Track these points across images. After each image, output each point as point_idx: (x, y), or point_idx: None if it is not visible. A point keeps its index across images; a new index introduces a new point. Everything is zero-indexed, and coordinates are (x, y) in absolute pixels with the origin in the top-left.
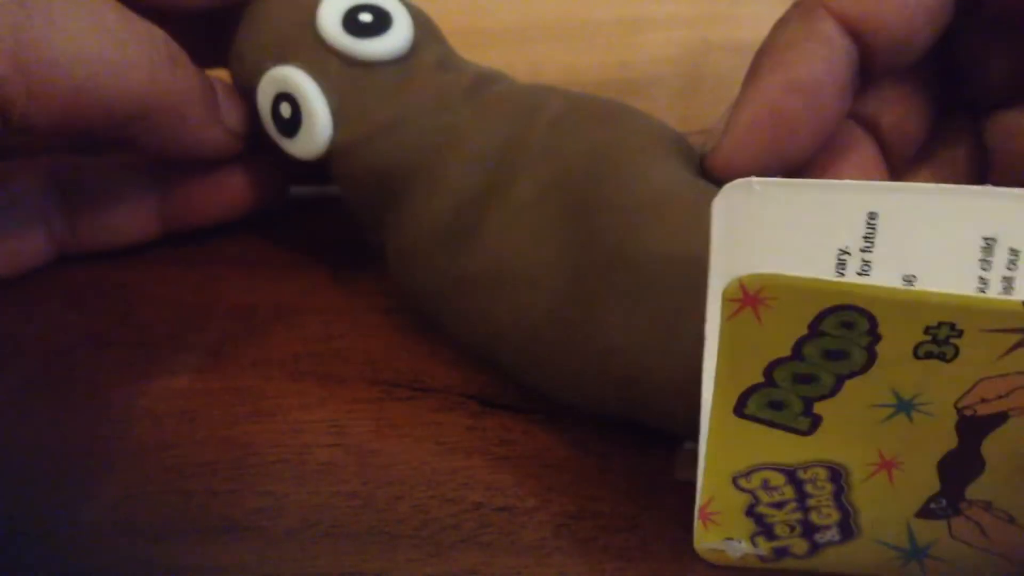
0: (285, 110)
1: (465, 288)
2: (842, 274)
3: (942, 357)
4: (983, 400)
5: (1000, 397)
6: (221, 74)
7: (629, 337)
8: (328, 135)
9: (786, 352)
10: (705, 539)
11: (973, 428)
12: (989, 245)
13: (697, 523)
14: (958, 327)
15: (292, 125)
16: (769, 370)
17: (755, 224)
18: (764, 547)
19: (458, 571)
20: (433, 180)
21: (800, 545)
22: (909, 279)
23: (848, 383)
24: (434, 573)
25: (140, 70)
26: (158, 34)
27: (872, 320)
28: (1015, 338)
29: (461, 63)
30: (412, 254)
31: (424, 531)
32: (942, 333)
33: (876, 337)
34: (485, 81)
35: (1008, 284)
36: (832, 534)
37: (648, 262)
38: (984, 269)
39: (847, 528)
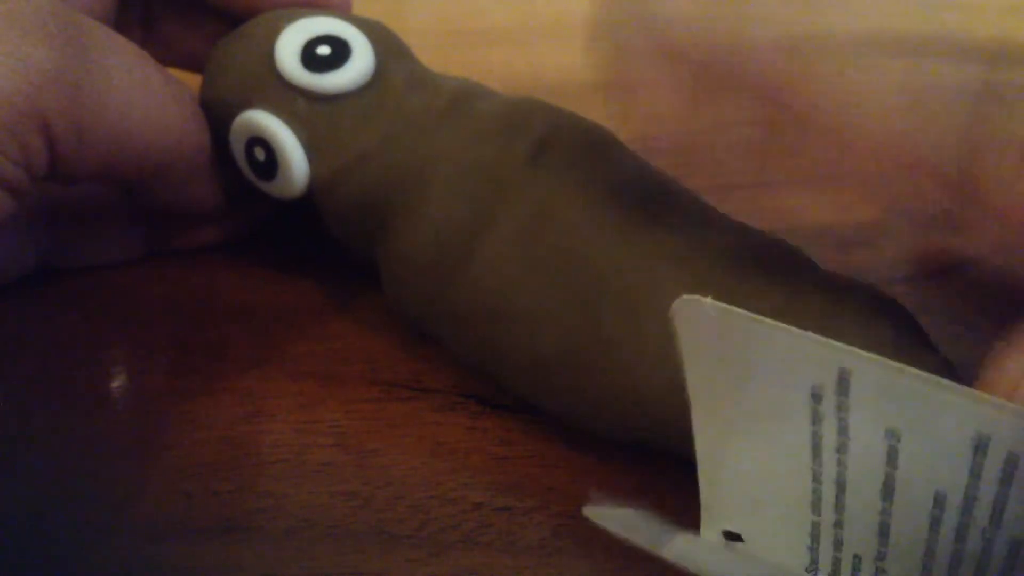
0: (259, 154)
1: (460, 321)
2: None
3: None
4: None
5: None
6: None
7: (660, 379)
8: (305, 173)
9: None
10: None
11: None
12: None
13: None
14: None
15: (268, 168)
16: None
17: (721, 346)
18: None
19: (458, 571)
20: (413, 211)
21: None
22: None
23: None
24: (434, 573)
25: (173, 129)
26: (186, 92)
27: None
28: None
29: (432, 79)
30: (402, 286)
31: (424, 531)
32: None
33: None
34: (461, 99)
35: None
36: None
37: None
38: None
39: None
